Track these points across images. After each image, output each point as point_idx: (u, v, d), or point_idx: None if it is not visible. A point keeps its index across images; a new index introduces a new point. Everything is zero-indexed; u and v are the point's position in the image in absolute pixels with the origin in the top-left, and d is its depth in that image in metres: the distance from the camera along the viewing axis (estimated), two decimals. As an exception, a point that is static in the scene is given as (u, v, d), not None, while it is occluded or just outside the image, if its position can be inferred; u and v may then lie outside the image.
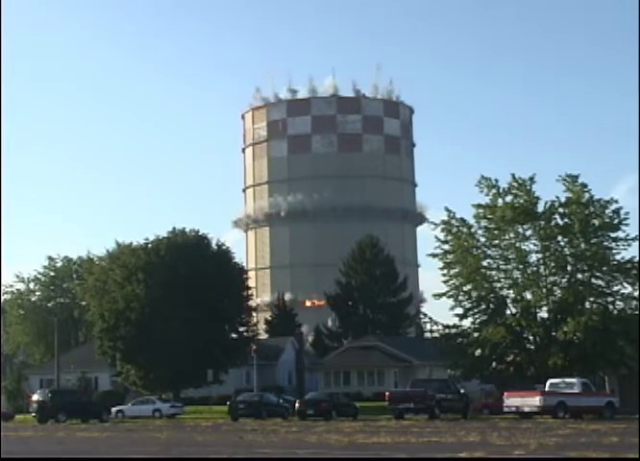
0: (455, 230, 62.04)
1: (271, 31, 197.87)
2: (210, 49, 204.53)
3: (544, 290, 60.60)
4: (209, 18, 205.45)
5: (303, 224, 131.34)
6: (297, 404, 56.00)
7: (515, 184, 60.78)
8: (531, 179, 60.40)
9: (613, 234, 60.47)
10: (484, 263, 62.07)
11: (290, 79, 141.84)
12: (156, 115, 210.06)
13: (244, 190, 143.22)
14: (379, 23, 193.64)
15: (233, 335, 73.61)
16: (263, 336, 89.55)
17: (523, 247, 61.47)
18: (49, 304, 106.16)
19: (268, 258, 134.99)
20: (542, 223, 60.58)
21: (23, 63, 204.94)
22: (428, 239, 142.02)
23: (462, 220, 62.04)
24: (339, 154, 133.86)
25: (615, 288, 60.81)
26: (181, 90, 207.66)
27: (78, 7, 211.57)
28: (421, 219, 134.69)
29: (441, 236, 62.74)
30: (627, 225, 60.30)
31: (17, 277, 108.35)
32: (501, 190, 60.97)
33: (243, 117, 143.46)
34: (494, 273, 62.14)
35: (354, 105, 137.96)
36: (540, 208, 60.73)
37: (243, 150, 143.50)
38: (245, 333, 74.41)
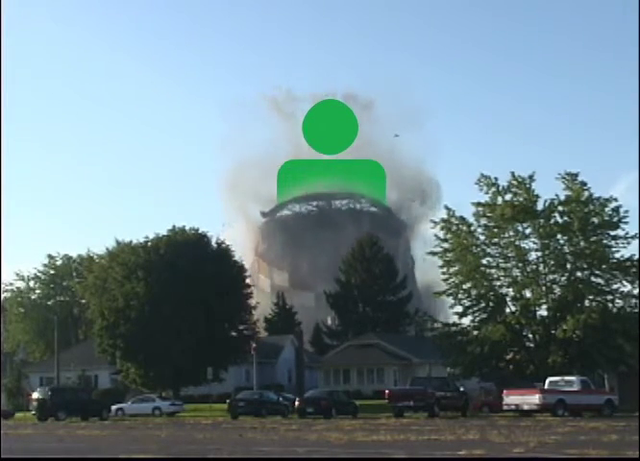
0: (454, 228, 62.09)
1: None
2: (207, 48, 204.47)
3: (543, 288, 60.63)
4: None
5: None
6: (297, 402, 55.91)
7: (515, 182, 60.79)
8: (531, 177, 60.42)
9: (613, 232, 60.45)
10: (484, 261, 62.11)
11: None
12: (157, 116, 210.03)
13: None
14: (375, 25, 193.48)
15: (233, 333, 73.60)
16: (263, 334, 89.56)
17: (522, 245, 61.52)
18: (49, 302, 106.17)
19: None
20: (541, 221, 60.59)
21: (23, 64, 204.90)
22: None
23: (462, 218, 62.08)
24: None
25: (614, 286, 60.84)
26: (183, 90, 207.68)
27: (80, 19, 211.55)
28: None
29: (441, 234, 62.89)
30: (626, 223, 60.32)
31: (17, 275, 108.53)
32: (500, 188, 60.97)
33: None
34: (493, 271, 62.19)
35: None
36: (540, 206, 60.76)
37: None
38: (245, 331, 74.41)
